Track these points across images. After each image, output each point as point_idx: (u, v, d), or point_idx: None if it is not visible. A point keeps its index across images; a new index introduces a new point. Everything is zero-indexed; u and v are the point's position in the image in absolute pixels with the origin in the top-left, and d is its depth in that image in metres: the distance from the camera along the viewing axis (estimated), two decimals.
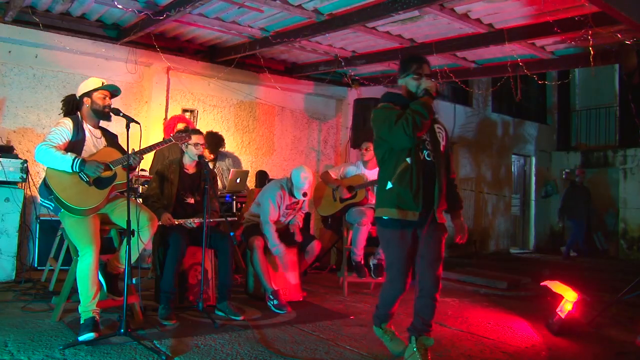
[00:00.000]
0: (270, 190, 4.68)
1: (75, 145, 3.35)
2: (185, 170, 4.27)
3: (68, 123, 3.37)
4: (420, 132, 2.89)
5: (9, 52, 5.43)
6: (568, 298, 3.97)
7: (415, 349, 2.96)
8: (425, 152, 2.96)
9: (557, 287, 4.10)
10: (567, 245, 10.13)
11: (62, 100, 3.56)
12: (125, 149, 3.36)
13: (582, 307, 4.14)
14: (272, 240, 4.52)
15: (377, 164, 3.13)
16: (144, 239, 3.44)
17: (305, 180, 4.53)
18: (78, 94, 3.48)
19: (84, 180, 3.30)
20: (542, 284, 4.18)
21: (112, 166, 3.37)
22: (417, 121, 2.81)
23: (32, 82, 5.59)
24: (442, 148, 3.06)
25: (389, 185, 2.94)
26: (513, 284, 5.82)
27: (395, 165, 2.93)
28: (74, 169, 3.20)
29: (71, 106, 3.51)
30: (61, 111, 3.54)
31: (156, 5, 5.03)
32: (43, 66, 5.64)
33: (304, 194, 4.59)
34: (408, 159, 2.90)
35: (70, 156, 3.20)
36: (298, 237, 4.74)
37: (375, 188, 3.11)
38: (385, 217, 2.97)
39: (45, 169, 3.34)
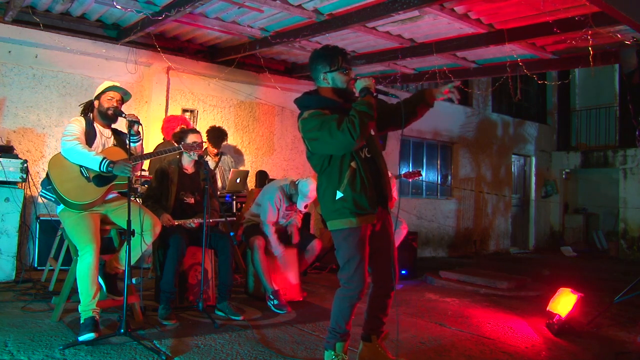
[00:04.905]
0: (269, 192, 4.73)
1: (85, 142, 3.41)
2: (184, 171, 4.27)
3: (81, 120, 3.47)
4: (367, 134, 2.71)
5: (9, 52, 5.43)
6: (561, 313, 3.97)
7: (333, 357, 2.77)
8: (365, 150, 2.81)
9: (556, 305, 4.09)
10: None
11: (81, 104, 3.68)
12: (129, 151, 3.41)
13: (582, 307, 4.14)
14: (272, 242, 4.57)
15: (317, 174, 2.92)
16: (146, 242, 3.46)
17: (313, 196, 4.56)
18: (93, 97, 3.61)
19: (84, 175, 3.34)
20: (547, 309, 4.16)
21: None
22: (365, 123, 2.63)
23: (32, 82, 5.59)
24: (374, 138, 2.89)
25: (340, 194, 2.74)
26: (513, 284, 5.82)
27: (340, 172, 2.75)
28: (102, 169, 3.27)
29: (86, 109, 3.62)
30: (80, 114, 3.64)
31: (156, 5, 5.03)
32: (43, 66, 5.64)
33: (305, 206, 4.66)
34: (353, 163, 2.74)
35: (99, 156, 3.27)
36: (295, 239, 4.76)
37: (322, 199, 2.86)
38: (345, 227, 2.75)
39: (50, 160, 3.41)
